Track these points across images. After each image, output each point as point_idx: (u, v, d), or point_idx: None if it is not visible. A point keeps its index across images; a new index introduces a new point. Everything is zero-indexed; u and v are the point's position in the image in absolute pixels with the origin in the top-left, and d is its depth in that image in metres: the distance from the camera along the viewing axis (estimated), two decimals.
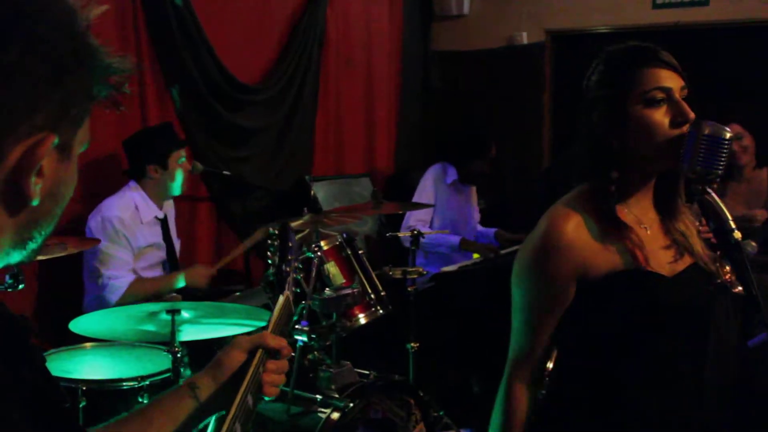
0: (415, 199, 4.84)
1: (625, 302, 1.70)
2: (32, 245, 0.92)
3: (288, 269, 1.57)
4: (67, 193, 0.92)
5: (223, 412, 1.29)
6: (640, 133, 1.67)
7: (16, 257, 0.91)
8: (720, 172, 1.63)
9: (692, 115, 1.67)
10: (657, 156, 1.68)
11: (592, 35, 6.10)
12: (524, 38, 6.27)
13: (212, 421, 2.80)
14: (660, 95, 1.67)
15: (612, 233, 1.70)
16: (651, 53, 1.71)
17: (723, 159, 1.62)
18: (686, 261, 1.76)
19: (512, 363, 1.80)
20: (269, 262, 1.71)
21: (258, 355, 1.32)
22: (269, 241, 1.74)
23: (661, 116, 1.67)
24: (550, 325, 1.75)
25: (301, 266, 1.65)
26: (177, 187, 3.69)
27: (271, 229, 1.80)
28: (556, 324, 1.74)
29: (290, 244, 1.65)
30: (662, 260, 1.73)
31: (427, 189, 4.85)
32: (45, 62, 0.83)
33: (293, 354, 2.56)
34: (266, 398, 1.34)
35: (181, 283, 3.56)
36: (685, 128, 1.65)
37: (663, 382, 1.75)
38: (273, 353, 1.36)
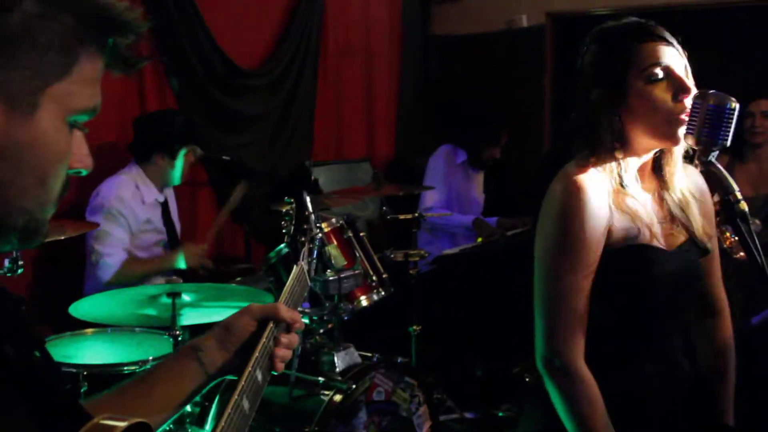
0: (427, 176, 4.83)
1: (628, 274, 1.70)
2: (9, 227, 0.84)
3: (303, 239, 1.53)
4: (40, 162, 0.83)
5: (229, 377, 1.24)
6: (641, 108, 1.67)
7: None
8: (725, 142, 1.61)
9: (692, 87, 1.66)
10: (656, 136, 1.68)
11: (594, 17, 6.05)
12: (524, 21, 6.21)
13: (215, 404, 2.81)
14: (659, 72, 1.66)
15: (622, 204, 1.70)
16: (648, 28, 1.71)
17: (728, 129, 1.61)
18: (682, 235, 1.77)
19: (565, 345, 1.66)
20: (283, 231, 1.66)
21: (269, 327, 1.24)
22: (284, 210, 1.70)
23: (661, 92, 1.66)
24: (588, 289, 1.66)
25: (318, 236, 1.59)
26: (178, 177, 3.69)
27: (287, 199, 1.75)
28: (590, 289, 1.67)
29: (306, 213, 1.62)
30: (661, 233, 1.74)
31: (438, 167, 4.82)
32: None
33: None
34: (273, 372, 1.25)
35: (180, 263, 3.53)
36: (687, 103, 1.65)
37: (657, 354, 1.76)
38: (285, 326, 1.28)
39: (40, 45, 0.80)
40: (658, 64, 1.66)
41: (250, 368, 1.15)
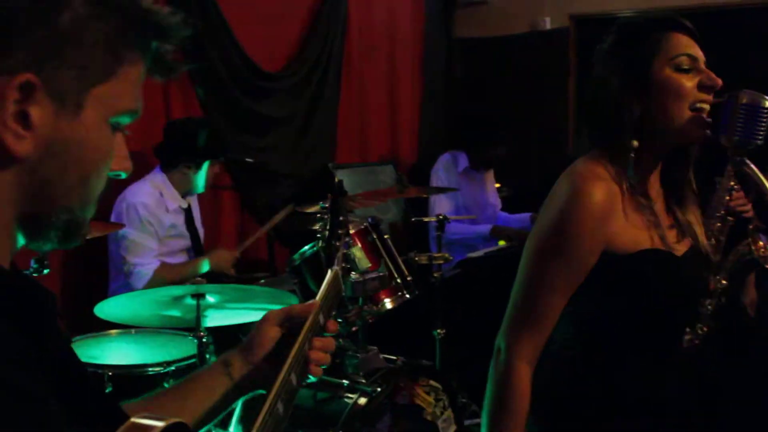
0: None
1: (639, 279, 1.63)
2: (51, 225, 0.85)
3: (338, 243, 1.52)
4: (84, 161, 0.84)
5: (262, 391, 1.24)
6: (665, 97, 1.60)
7: (38, 235, 0.86)
8: (759, 142, 1.58)
9: (720, 81, 1.61)
10: (680, 125, 1.61)
11: (618, 19, 6.00)
12: (547, 23, 6.19)
13: (238, 406, 2.80)
14: (688, 62, 1.61)
15: (632, 205, 1.63)
16: (678, 20, 1.66)
17: (762, 128, 1.57)
18: (687, 242, 1.71)
19: (515, 341, 1.63)
20: (317, 236, 1.65)
21: (304, 331, 1.23)
22: (318, 215, 1.69)
23: (687, 81, 1.61)
24: (566, 300, 1.61)
25: (350, 241, 1.58)
26: (202, 185, 3.71)
27: (321, 203, 1.75)
28: (568, 299, 1.62)
29: (341, 218, 1.61)
30: (669, 239, 1.68)
31: (440, 180, 4.80)
32: None
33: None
34: (312, 378, 1.24)
35: (206, 267, 3.55)
36: (712, 96, 1.61)
37: (664, 365, 1.70)
38: (318, 330, 1.28)
39: (88, 45, 0.81)
40: (686, 54, 1.61)
41: (284, 372, 1.14)
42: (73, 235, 0.88)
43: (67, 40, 0.80)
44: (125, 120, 0.89)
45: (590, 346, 1.69)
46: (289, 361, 1.16)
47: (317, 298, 1.33)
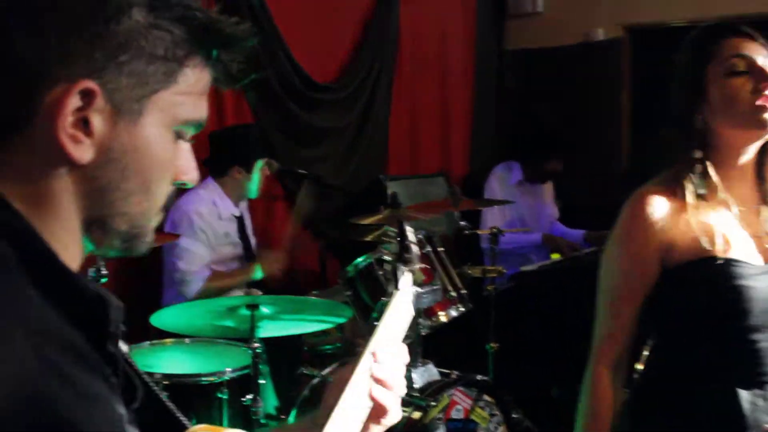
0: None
1: (705, 289, 1.65)
2: (114, 231, 0.85)
3: (404, 268, 1.50)
4: (143, 168, 0.84)
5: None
6: (721, 104, 1.62)
7: (103, 241, 0.86)
8: None
9: None
10: (740, 127, 1.62)
11: (672, 29, 5.89)
12: (600, 34, 6.11)
13: (292, 416, 2.79)
14: (740, 64, 1.61)
15: (697, 215, 1.64)
16: (729, 26, 1.67)
17: None
18: None
19: (596, 348, 1.77)
20: (386, 259, 1.64)
21: (364, 353, 1.13)
22: (384, 239, 1.69)
23: (742, 84, 1.61)
24: (633, 307, 1.72)
25: (418, 267, 1.56)
26: (255, 190, 3.71)
27: (386, 227, 1.75)
28: (639, 306, 1.72)
29: (407, 243, 1.60)
30: (750, 247, 1.65)
31: (493, 192, 4.75)
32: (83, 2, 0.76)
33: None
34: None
35: (258, 274, 3.54)
36: None
37: (747, 378, 1.66)
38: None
39: (147, 53, 0.82)
40: (739, 55, 1.61)
41: (346, 391, 1.09)
42: (135, 242, 0.89)
43: (127, 48, 0.80)
44: (190, 130, 0.89)
45: (666, 354, 1.77)
46: (351, 382, 1.11)
47: (381, 321, 1.29)
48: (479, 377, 2.96)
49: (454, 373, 2.93)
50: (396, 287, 1.38)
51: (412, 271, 1.47)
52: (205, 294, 3.35)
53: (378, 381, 1.08)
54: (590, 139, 5.95)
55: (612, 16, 6.05)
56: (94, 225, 0.85)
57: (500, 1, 6.30)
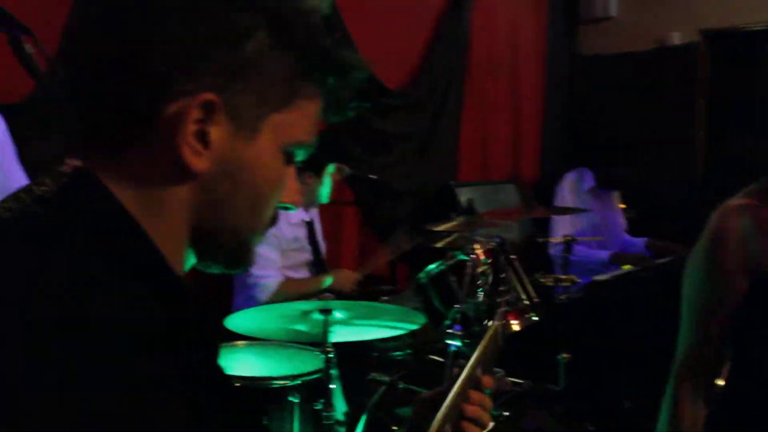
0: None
1: None
2: (220, 246, 0.87)
3: (499, 300, 1.48)
4: (255, 185, 0.86)
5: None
6: None
7: (207, 255, 0.88)
8: None
9: None
10: None
11: (751, 33, 5.72)
12: (676, 39, 5.97)
13: (361, 422, 2.78)
14: None
15: None
16: None
17: None
18: None
19: (680, 364, 1.76)
20: (479, 290, 1.61)
21: (460, 381, 1.20)
22: (479, 269, 1.67)
23: None
24: (719, 323, 1.71)
25: (515, 298, 1.56)
26: (326, 195, 3.73)
27: (483, 258, 1.73)
28: (725, 323, 1.69)
29: (502, 276, 1.57)
30: None
31: (565, 199, 4.68)
32: (211, 20, 0.78)
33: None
34: None
35: (327, 283, 3.56)
36: None
37: None
38: (475, 384, 1.25)
39: (268, 73, 0.83)
40: None
41: (439, 420, 1.10)
42: (239, 259, 0.91)
43: (249, 67, 0.82)
44: (299, 152, 0.92)
45: (748, 370, 1.74)
46: (443, 410, 1.12)
47: (476, 351, 1.29)
48: (552, 387, 2.91)
49: (527, 383, 2.89)
50: (491, 318, 1.38)
51: (508, 307, 1.46)
52: (278, 299, 3.37)
53: (469, 417, 1.18)
54: (663, 146, 5.82)
55: (688, 20, 5.91)
56: (202, 238, 0.86)
57: (572, 5, 6.23)
